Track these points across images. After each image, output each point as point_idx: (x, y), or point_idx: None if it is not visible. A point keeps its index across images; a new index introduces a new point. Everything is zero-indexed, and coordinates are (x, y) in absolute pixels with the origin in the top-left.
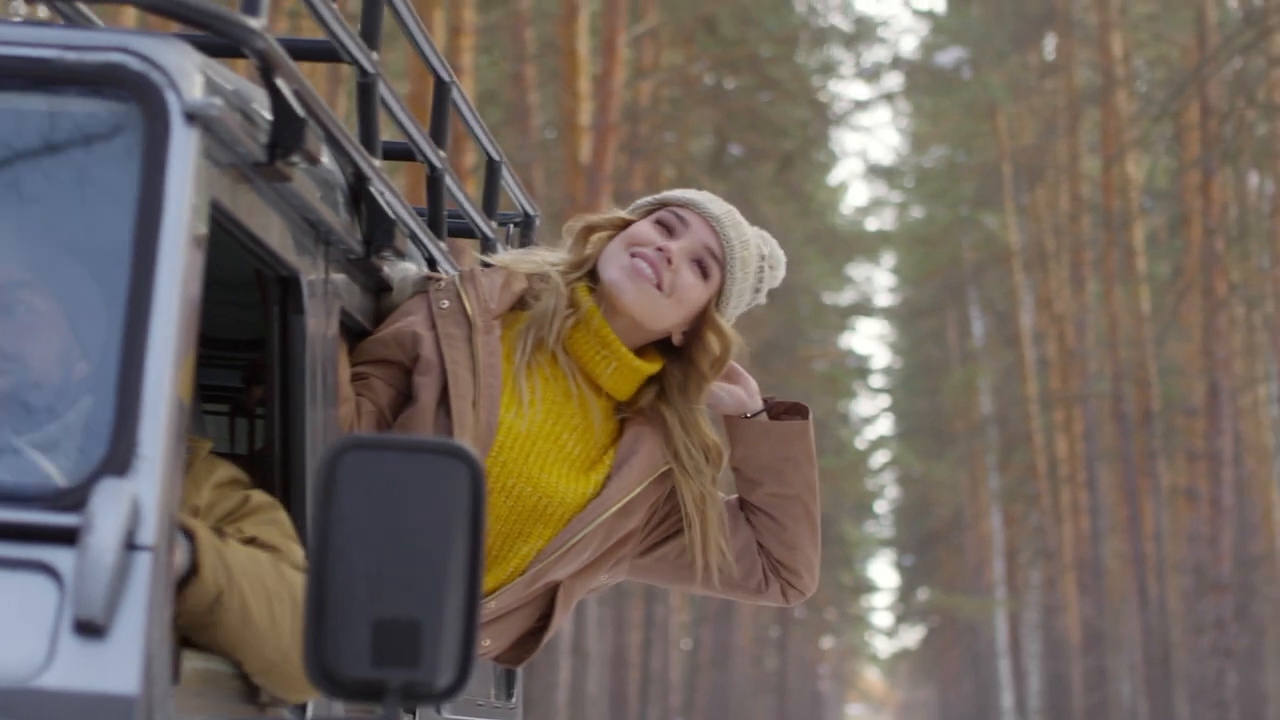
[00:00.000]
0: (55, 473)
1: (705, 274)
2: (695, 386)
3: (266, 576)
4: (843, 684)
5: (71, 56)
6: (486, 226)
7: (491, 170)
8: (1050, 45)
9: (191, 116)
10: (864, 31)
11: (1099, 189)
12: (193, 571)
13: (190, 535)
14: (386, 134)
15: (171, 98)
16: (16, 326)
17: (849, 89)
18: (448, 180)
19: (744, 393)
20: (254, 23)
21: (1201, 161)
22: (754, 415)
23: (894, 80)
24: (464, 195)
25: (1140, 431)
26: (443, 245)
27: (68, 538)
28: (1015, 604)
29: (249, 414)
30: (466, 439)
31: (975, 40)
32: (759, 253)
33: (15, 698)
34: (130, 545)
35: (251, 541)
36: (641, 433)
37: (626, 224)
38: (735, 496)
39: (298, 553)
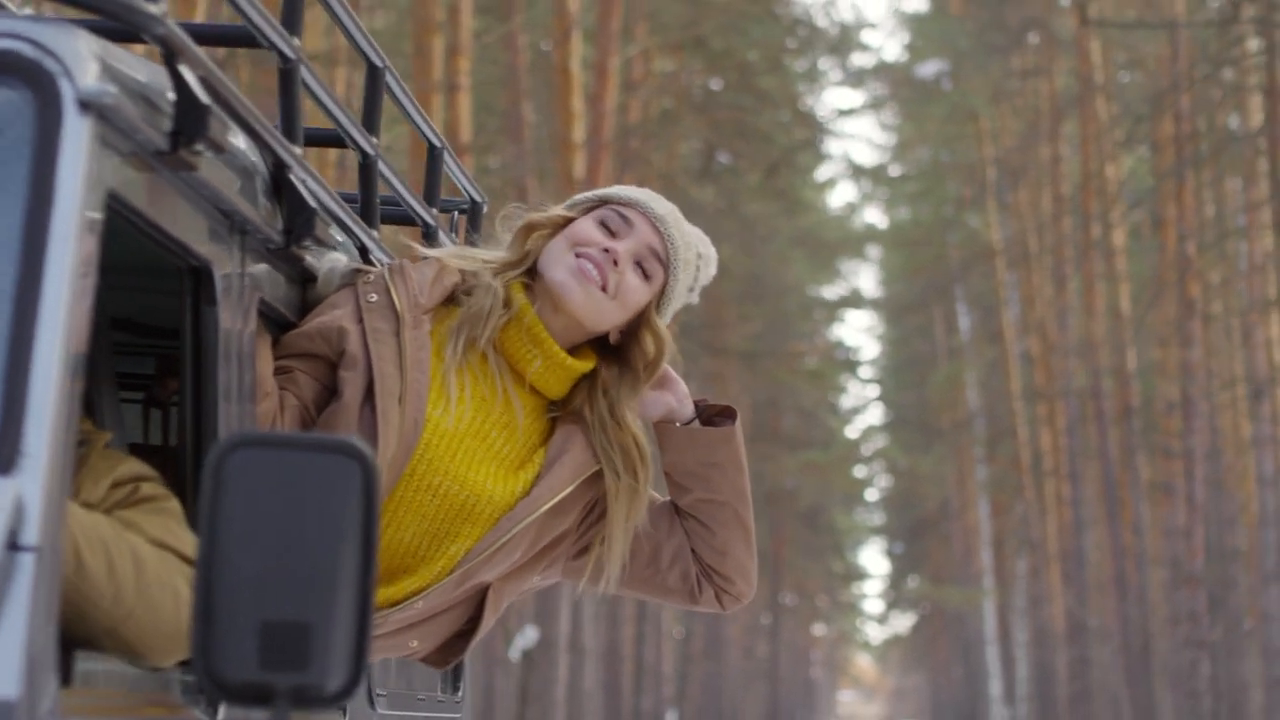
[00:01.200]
0: None
1: (647, 275)
2: (628, 387)
3: (105, 533)
4: (835, 671)
5: None
6: (428, 214)
7: (433, 156)
8: (1031, 49)
9: (85, 104)
10: (848, 38)
11: (1080, 189)
12: None
13: None
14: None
15: (65, 85)
16: None
17: (834, 95)
18: (381, 167)
19: (673, 398)
20: (153, 8)
21: (1174, 170)
22: (687, 422)
23: (878, 87)
24: (400, 182)
25: (1119, 427)
26: (375, 234)
27: None
28: (1003, 594)
29: (163, 406)
30: (392, 436)
31: (955, 51)
32: (696, 251)
33: None
34: (13, 545)
35: (130, 527)
36: (572, 432)
37: (567, 221)
38: (670, 499)
39: (185, 539)
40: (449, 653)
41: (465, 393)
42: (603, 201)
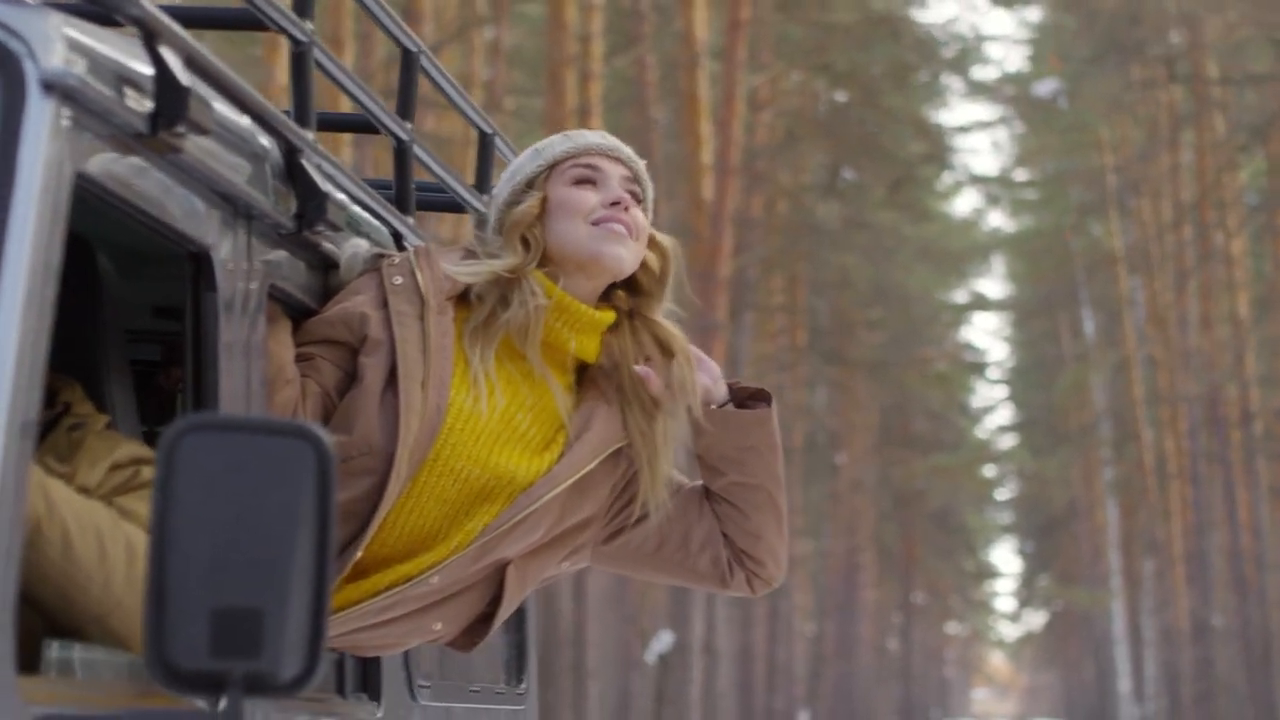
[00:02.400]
0: None
1: (639, 201)
2: (656, 302)
3: (100, 520)
4: (969, 669)
5: None
6: (479, 201)
7: (484, 143)
8: (1149, 59)
9: (49, 85)
10: (969, 54)
11: (1198, 198)
12: None
13: None
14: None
15: (29, 66)
16: None
17: (956, 109)
18: (418, 153)
19: (708, 379)
20: None
21: None
22: (721, 405)
23: (999, 105)
24: (443, 168)
25: (1239, 432)
26: (410, 220)
27: None
28: (1131, 594)
29: (170, 394)
30: (414, 420)
31: (1072, 68)
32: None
33: None
34: None
35: (128, 516)
36: (595, 409)
37: (542, 203)
38: (700, 483)
39: None
40: (473, 635)
41: (491, 376)
42: (552, 166)
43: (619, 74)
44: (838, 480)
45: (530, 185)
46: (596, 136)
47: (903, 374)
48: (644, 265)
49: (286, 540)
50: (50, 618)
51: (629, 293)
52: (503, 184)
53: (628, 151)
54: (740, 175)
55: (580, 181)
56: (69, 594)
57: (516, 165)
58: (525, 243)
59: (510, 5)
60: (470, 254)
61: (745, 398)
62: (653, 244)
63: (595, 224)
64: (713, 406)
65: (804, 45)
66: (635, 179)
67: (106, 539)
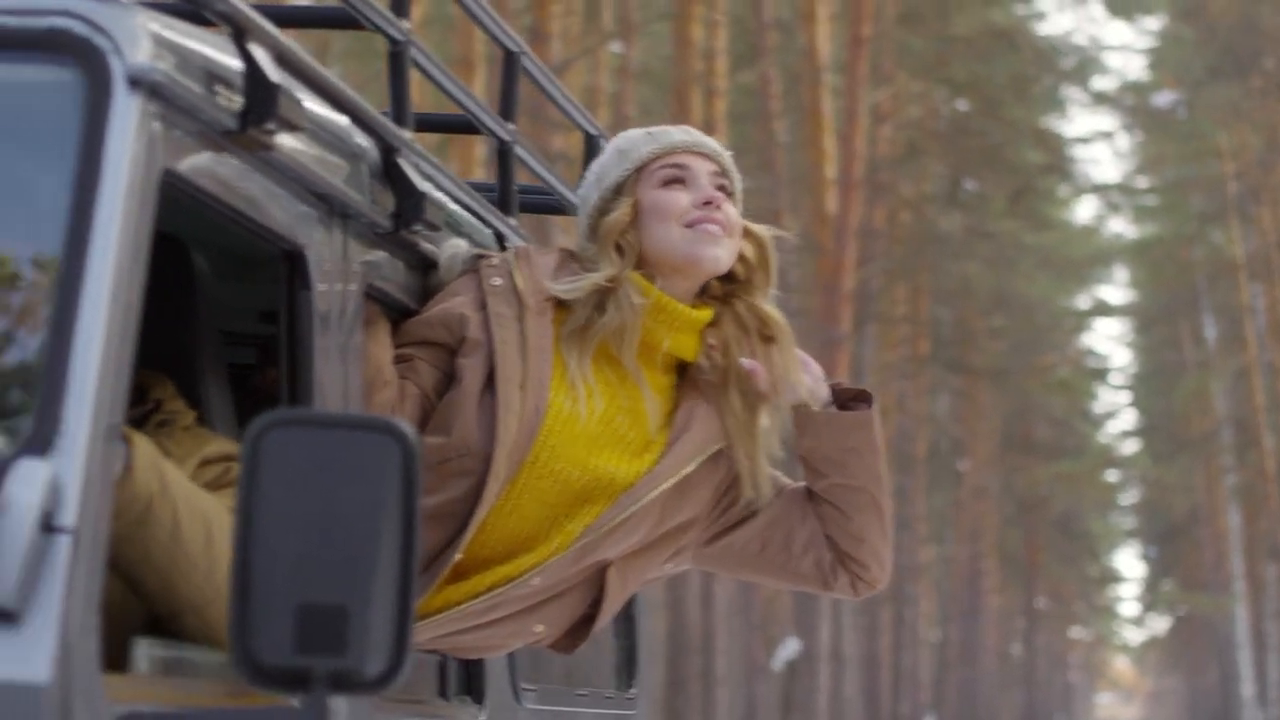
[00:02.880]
0: None
1: (729, 195)
2: (750, 293)
3: (209, 508)
4: (1093, 673)
5: (13, 21)
6: None
7: (590, 144)
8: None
9: (135, 81)
10: (1089, 64)
11: None
12: (125, 473)
13: (127, 440)
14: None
15: (115, 63)
16: None
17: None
18: (521, 153)
19: (810, 379)
20: None
21: None
22: (823, 406)
23: (1118, 115)
24: (547, 169)
25: None
26: (512, 221)
27: None
28: (1255, 599)
29: (265, 394)
30: (512, 421)
31: (1190, 78)
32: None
33: None
34: (48, 527)
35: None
36: (695, 409)
37: (634, 207)
38: (803, 485)
39: None
40: (575, 637)
41: (589, 378)
42: (640, 168)
43: (743, 88)
44: (961, 487)
45: (619, 190)
46: (680, 133)
47: (1025, 380)
48: (741, 257)
49: (371, 536)
50: (150, 602)
51: (728, 284)
52: (589, 186)
53: (713, 145)
54: (863, 188)
55: (669, 182)
56: (172, 579)
57: (603, 167)
58: (620, 250)
59: (637, 23)
60: (568, 255)
61: (847, 399)
62: (747, 234)
63: (689, 225)
64: (814, 408)
65: (925, 58)
66: (723, 172)
67: (214, 527)
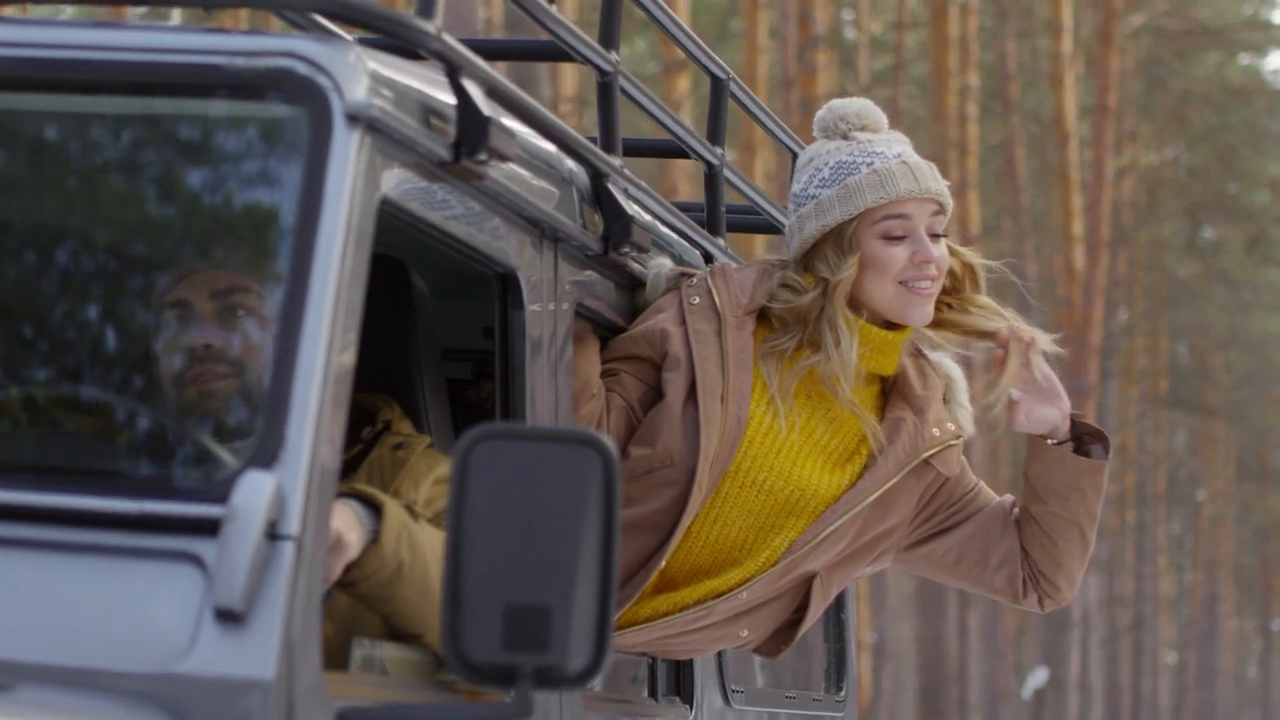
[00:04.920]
0: (207, 466)
1: (944, 233)
2: (965, 306)
3: (429, 552)
4: None
5: (240, 62)
6: None
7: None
8: None
9: (354, 118)
10: None
11: None
12: (374, 542)
13: (378, 508)
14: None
15: (335, 100)
16: (236, 331)
17: None
18: (729, 175)
19: (1058, 414)
20: (427, 25)
21: None
22: (1060, 442)
23: None
24: (756, 191)
25: None
26: (721, 242)
27: (213, 529)
28: None
29: (480, 409)
30: (714, 433)
31: None
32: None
33: (158, 682)
34: (272, 535)
35: None
36: (899, 422)
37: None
38: (1009, 498)
39: None
40: (779, 641)
41: (789, 390)
42: (859, 218)
43: (991, 148)
44: (1199, 516)
45: (840, 234)
46: (906, 181)
47: (1261, 411)
48: (950, 274)
49: (573, 541)
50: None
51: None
52: (807, 215)
53: (934, 187)
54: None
55: (890, 235)
56: (392, 608)
57: (825, 200)
58: (836, 300)
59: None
60: (768, 267)
61: (1084, 433)
62: (956, 254)
63: (903, 283)
64: (1051, 442)
65: (1163, 114)
66: (940, 209)
67: (433, 573)
